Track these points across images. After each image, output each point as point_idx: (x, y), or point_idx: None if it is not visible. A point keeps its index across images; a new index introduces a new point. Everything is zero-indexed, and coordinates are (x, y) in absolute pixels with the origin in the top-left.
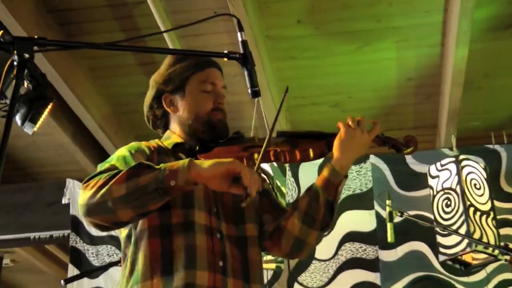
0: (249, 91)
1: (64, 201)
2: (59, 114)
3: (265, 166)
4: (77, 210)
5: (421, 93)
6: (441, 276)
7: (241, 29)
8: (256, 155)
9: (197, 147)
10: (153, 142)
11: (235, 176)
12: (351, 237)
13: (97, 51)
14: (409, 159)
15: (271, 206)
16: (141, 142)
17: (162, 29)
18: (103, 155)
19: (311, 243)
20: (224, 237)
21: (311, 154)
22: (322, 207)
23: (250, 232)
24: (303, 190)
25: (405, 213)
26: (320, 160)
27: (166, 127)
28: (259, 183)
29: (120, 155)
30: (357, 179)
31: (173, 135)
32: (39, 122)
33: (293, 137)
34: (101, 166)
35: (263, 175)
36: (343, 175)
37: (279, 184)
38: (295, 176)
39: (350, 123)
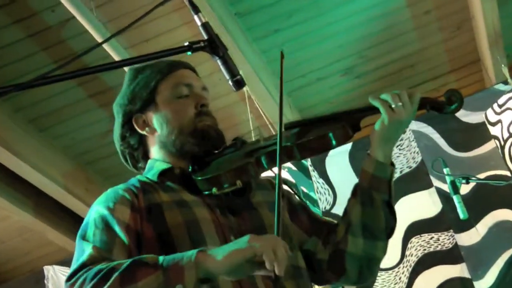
0: (230, 82)
1: None
2: (9, 190)
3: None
4: None
5: (447, 25)
6: None
7: (196, 10)
8: (264, 158)
9: (190, 167)
10: (134, 181)
11: (257, 261)
12: (415, 229)
13: (32, 97)
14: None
15: (313, 225)
16: (117, 188)
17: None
18: (79, 223)
19: (380, 257)
20: (259, 277)
21: (333, 140)
22: (380, 211)
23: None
24: (338, 191)
25: (472, 178)
26: (349, 147)
27: (146, 157)
28: (286, 251)
29: (97, 218)
30: (401, 156)
31: (157, 163)
32: None
33: (305, 125)
34: (80, 249)
35: (285, 187)
36: (390, 164)
37: (305, 190)
38: (323, 175)
39: (392, 103)
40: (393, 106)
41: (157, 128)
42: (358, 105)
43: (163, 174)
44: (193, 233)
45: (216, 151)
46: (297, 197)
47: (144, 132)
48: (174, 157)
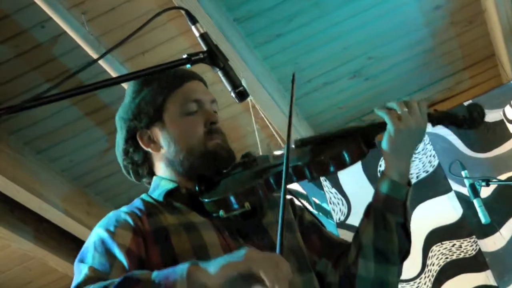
0: (233, 94)
1: None
2: (7, 217)
3: (292, 184)
4: None
5: (460, 20)
6: None
7: (193, 21)
8: (273, 178)
9: (197, 187)
10: (138, 202)
11: (254, 277)
12: (436, 236)
13: (26, 119)
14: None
15: (324, 247)
16: (120, 211)
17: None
18: (82, 246)
19: (393, 282)
20: None
21: (347, 159)
22: (394, 234)
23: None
24: (353, 200)
25: (492, 180)
26: None
27: (151, 172)
28: (287, 270)
29: (97, 242)
30: (417, 160)
31: (162, 181)
32: None
33: (317, 143)
34: (77, 272)
35: (297, 201)
36: (407, 183)
37: (317, 201)
38: (336, 185)
39: (398, 111)
40: (399, 112)
41: (164, 145)
42: (371, 121)
43: (169, 194)
44: (201, 260)
45: (225, 170)
46: (309, 215)
47: (149, 149)
48: (181, 176)
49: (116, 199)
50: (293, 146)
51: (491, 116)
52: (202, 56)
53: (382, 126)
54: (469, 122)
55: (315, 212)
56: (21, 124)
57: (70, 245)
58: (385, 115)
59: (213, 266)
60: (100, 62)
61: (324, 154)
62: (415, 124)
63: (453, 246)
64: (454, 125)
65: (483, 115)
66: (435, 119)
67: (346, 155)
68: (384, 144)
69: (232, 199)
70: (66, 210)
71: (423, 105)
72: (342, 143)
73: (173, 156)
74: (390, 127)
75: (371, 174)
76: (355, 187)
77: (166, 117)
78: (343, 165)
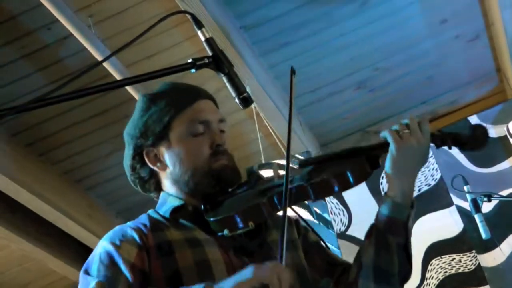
0: (237, 100)
1: None
2: (8, 217)
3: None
4: None
5: (465, 34)
6: None
7: (199, 25)
8: (276, 197)
9: (202, 206)
10: (144, 218)
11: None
12: (436, 250)
13: (29, 120)
14: (479, 124)
15: (327, 267)
16: (126, 226)
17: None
18: (81, 251)
19: None
20: None
21: (351, 179)
22: (395, 255)
23: None
24: (354, 211)
25: (494, 196)
26: None
27: (158, 188)
28: (289, 277)
29: (103, 254)
30: (419, 173)
31: (169, 198)
32: None
33: (321, 163)
34: (84, 282)
35: (303, 223)
36: (409, 205)
37: (319, 211)
38: (338, 196)
39: (399, 131)
40: (399, 131)
41: (169, 165)
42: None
43: (175, 211)
44: (204, 276)
45: (230, 189)
46: (314, 235)
47: (155, 168)
48: (187, 195)
49: (118, 202)
50: (297, 166)
51: (495, 131)
52: (207, 61)
53: (385, 147)
54: (472, 144)
55: (316, 222)
56: (24, 125)
57: (70, 247)
58: (387, 135)
59: (226, 287)
60: (105, 65)
61: (328, 174)
62: (417, 143)
63: (452, 260)
64: (457, 145)
65: (487, 136)
66: (438, 139)
67: (350, 175)
68: (387, 164)
69: (237, 218)
70: (67, 212)
71: (425, 125)
72: (346, 163)
73: (179, 176)
74: (392, 146)
75: (373, 186)
76: (357, 198)
77: (172, 136)
78: (347, 185)
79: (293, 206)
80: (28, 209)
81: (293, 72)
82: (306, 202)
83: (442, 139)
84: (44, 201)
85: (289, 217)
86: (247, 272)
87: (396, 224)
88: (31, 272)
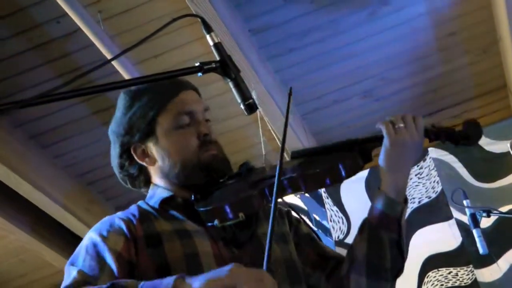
0: (242, 106)
1: None
2: (6, 207)
3: (293, 199)
4: None
5: (473, 48)
6: None
7: (209, 30)
8: (268, 189)
9: (193, 196)
10: (134, 208)
11: None
12: (433, 262)
13: (33, 113)
14: (482, 139)
15: (319, 260)
16: (114, 216)
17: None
18: (78, 243)
19: None
20: None
21: (343, 172)
22: (387, 250)
23: None
24: (353, 219)
25: (493, 211)
26: (365, 174)
27: (148, 182)
28: (272, 286)
29: (89, 245)
30: (420, 185)
31: (159, 189)
32: None
33: (312, 155)
34: (67, 272)
35: (295, 214)
36: (403, 201)
37: (318, 218)
38: (338, 203)
39: (394, 124)
40: (396, 126)
41: (158, 159)
42: (369, 133)
43: (165, 202)
44: (193, 268)
45: (221, 180)
46: (306, 227)
47: (143, 163)
48: (176, 186)
49: (117, 199)
50: (289, 158)
51: (498, 146)
52: (214, 66)
53: (379, 140)
54: (465, 139)
55: (314, 228)
56: (28, 117)
57: (67, 240)
58: (382, 127)
59: (198, 281)
60: (113, 62)
61: (319, 166)
62: (411, 138)
63: (449, 273)
64: (450, 140)
65: (480, 132)
66: (432, 134)
67: (341, 168)
68: (381, 158)
69: (227, 209)
70: (66, 205)
71: (419, 120)
72: (338, 155)
73: (168, 169)
74: (386, 140)
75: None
76: (357, 206)
77: (158, 131)
78: (338, 178)
79: (284, 198)
80: (28, 200)
81: (290, 94)
82: (304, 208)
83: (436, 133)
84: (44, 193)
85: (280, 209)
86: (223, 270)
87: (389, 220)
88: (26, 264)
